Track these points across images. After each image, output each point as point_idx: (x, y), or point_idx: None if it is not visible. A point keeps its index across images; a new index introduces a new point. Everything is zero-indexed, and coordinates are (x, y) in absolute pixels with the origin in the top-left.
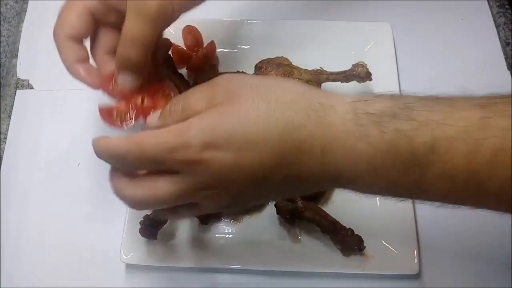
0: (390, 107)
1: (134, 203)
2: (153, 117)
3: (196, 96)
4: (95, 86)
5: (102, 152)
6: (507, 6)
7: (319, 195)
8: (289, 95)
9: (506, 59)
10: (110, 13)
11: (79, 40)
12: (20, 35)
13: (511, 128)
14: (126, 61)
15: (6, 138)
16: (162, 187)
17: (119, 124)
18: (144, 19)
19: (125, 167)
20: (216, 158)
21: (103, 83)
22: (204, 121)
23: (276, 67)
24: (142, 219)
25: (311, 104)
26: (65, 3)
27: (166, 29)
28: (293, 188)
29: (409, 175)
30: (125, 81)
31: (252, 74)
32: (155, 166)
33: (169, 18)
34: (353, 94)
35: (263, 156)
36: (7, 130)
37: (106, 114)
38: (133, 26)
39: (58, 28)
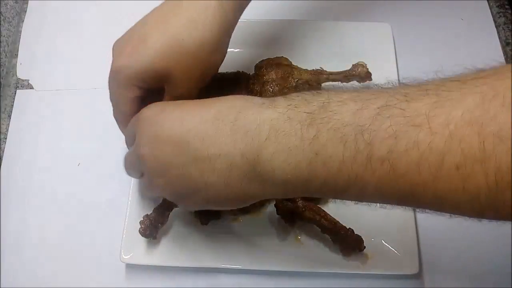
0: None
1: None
2: None
3: None
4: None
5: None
6: (507, 6)
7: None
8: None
9: (506, 59)
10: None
11: None
12: (20, 35)
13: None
14: None
15: (6, 138)
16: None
17: None
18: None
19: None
20: (158, 116)
21: None
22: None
23: (276, 67)
24: (142, 219)
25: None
26: (116, 95)
27: None
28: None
29: (305, 137)
30: None
31: (252, 73)
32: (131, 136)
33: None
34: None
35: (188, 120)
36: (7, 130)
37: None
38: None
39: (119, 115)
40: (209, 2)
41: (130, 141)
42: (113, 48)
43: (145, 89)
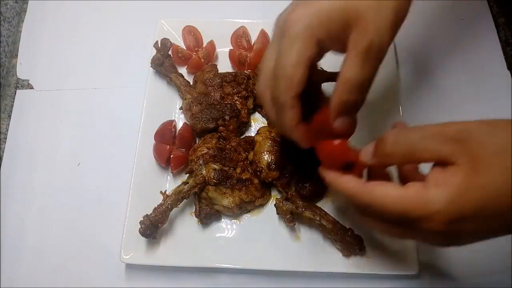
0: None
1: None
2: (367, 153)
3: (427, 143)
4: (310, 145)
5: (345, 194)
6: (507, 6)
7: (319, 195)
8: None
9: (506, 59)
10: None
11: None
12: (20, 35)
13: None
14: (349, 105)
15: (6, 138)
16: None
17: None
18: (370, 63)
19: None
20: (461, 230)
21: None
22: (448, 196)
23: None
24: (142, 219)
25: None
26: (287, 55)
27: (166, 29)
28: None
29: None
30: (344, 123)
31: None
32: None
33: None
34: None
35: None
36: (7, 130)
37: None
38: (358, 71)
39: (287, 87)
40: None
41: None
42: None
43: (321, 49)
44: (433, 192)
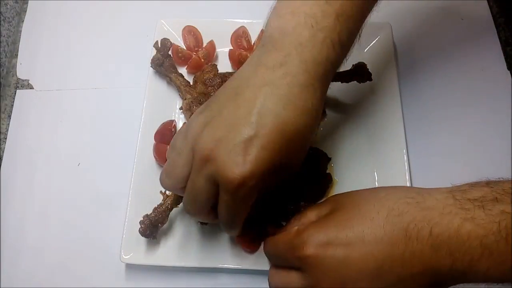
0: (489, 193)
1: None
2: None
3: (308, 211)
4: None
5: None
6: (507, 6)
7: (320, 196)
8: (383, 190)
9: (506, 59)
10: None
11: None
12: (20, 35)
13: None
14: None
15: (6, 138)
16: (292, 281)
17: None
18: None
19: (270, 260)
20: (329, 253)
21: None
22: (319, 224)
23: None
24: (142, 219)
25: (408, 193)
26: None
27: (166, 29)
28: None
29: None
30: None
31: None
32: (284, 261)
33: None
34: (445, 187)
35: (371, 247)
36: (7, 130)
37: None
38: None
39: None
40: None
41: (275, 261)
42: (197, 149)
43: None
44: (309, 225)
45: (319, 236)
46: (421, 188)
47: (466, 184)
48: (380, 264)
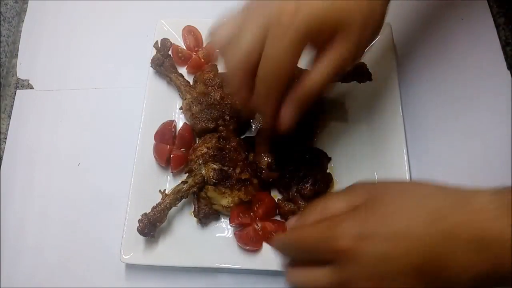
0: None
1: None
2: (292, 220)
3: (334, 199)
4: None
5: (276, 244)
6: (507, 6)
7: (320, 195)
8: (426, 189)
9: (506, 59)
10: None
11: None
12: (20, 35)
13: None
14: (302, 104)
15: (6, 138)
16: (319, 277)
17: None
18: (338, 72)
19: (290, 256)
20: (368, 247)
21: None
22: (355, 215)
23: None
24: (140, 218)
25: (449, 194)
26: (279, 43)
27: (166, 29)
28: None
29: None
30: (287, 116)
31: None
32: (311, 255)
33: None
34: (487, 189)
35: (413, 245)
36: (7, 130)
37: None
38: (325, 79)
39: (279, 75)
40: None
41: (294, 256)
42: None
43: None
44: (342, 216)
45: (357, 229)
46: (461, 188)
47: (507, 187)
48: (421, 263)
